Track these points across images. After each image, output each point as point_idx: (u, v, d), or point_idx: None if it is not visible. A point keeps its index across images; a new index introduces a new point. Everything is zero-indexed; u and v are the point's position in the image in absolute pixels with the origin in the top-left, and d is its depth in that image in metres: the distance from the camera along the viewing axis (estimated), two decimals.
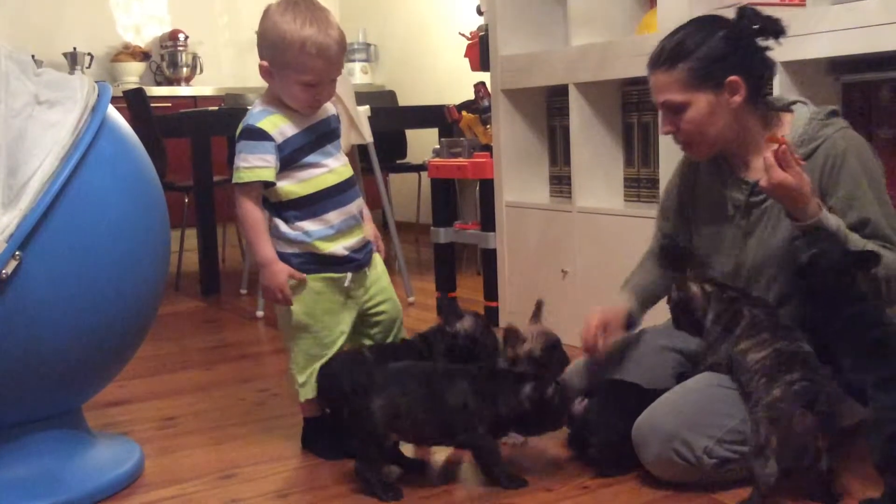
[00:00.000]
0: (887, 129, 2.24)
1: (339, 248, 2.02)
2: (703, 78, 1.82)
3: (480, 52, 3.59)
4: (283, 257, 2.00)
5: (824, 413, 1.64)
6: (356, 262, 2.06)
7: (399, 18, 6.02)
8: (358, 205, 2.08)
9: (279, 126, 1.98)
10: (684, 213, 2.06)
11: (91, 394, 2.02)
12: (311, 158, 2.00)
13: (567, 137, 2.95)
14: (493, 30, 3.14)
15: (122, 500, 1.88)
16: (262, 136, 1.95)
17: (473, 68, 3.75)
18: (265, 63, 1.97)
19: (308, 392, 2.07)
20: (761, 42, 1.84)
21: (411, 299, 3.77)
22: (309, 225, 2.00)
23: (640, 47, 2.59)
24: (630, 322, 2.07)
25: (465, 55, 3.82)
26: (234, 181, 1.98)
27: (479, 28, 3.74)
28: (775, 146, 1.71)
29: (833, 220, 1.73)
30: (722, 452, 1.76)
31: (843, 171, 1.79)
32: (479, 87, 3.59)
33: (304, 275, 2.00)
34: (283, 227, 2.01)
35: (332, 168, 2.03)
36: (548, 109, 3.18)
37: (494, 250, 3.24)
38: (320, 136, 2.03)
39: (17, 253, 1.65)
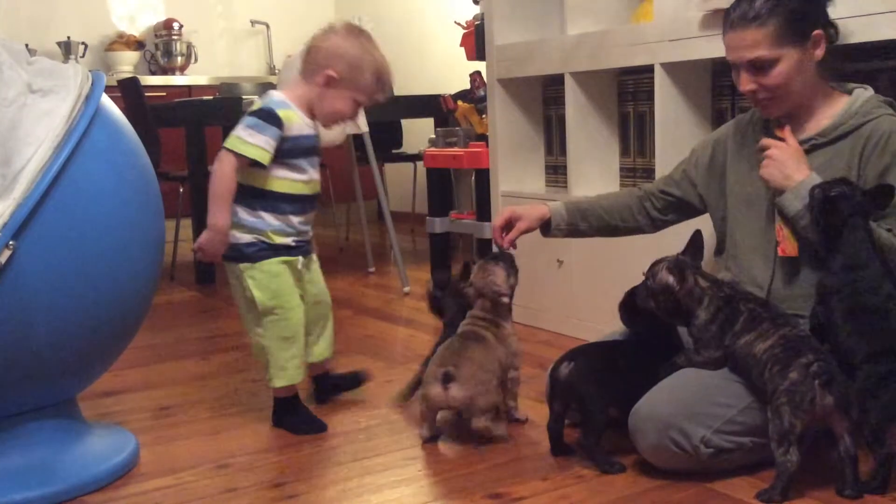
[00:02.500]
0: None
1: (289, 241, 2.16)
2: (793, 32, 1.82)
3: (476, 41, 3.59)
4: (235, 248, 2.11)
5: (841, 392, 1.64)
6: (303, 248, 2.21)
7: (394, 7, 6.00)
8: (312, 217, 2.23)
9: (292, 122, 2.11)
10: (713, 168, 2.08)
11: (86, 384, 2.01)
12: (299, 162, 2.14)
13: (563, 127, 2.95)
14: (489, 19, 3.14)
15: (117, 489, 1.88)
16: (275, 122, 2.07)
17: (469, 57, 3.75)
18: (334, 74, 2.11)
19: (289, 378, 2.16)
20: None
21: (406, 289, 3.76)
22: (271, 218, 2.13)
23: (636, 36, 2.59)
24: (545, 226, 2.20)
25: (461, 44, 3.81)
26: (228, 146, 2.07)
27: (475, 17, 3.73)
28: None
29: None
30: (719, 442, 1.76)
31: (887, 147, 1.80)
32: (475, 76, 3.58)
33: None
34: (242, 213, 2.13)
35: (311, 178, 2.18)
36: (543, 99, 3.18)
37: (490, 240, 3.24)
38: (312, 147, 2.18)
39: (10, 242, 1.65)
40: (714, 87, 2.59)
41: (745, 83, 1.88)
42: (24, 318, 1.71)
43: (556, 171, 3.12)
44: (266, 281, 2.12)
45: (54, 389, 1.90)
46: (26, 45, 1.89)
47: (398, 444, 2.08)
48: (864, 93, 1.90)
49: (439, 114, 4.25)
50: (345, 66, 2.11)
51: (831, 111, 1.89)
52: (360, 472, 1.92)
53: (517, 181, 3.16)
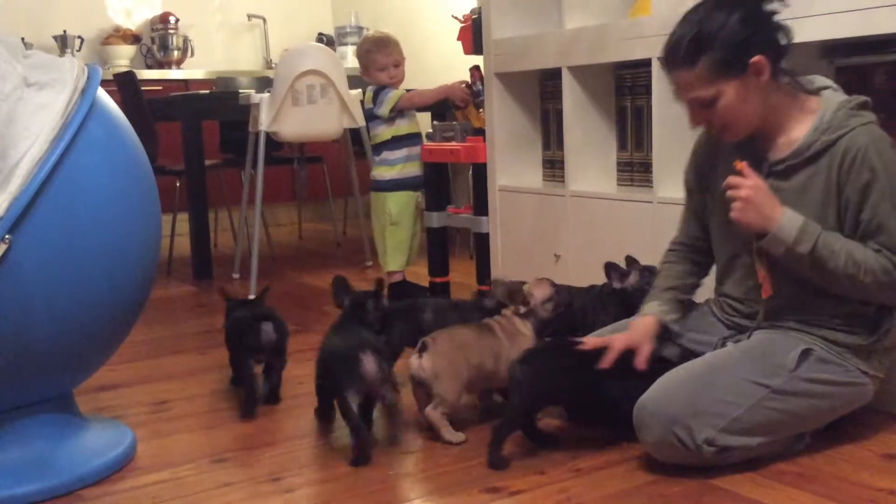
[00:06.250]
0: (881, 113, 2.23)
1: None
2: (728, 66, 1.74)
3: (473, 35, 3.58)
4: (378, 184, 3.50)
5: None
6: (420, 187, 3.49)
7: (391, 1, 5.99)
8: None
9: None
10: (702, 184, 2.01)
11: (83, 378, 2.01)
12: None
13: (560, 121, 2.95)
14: (487, 13, 3.13)
15: (114, 483, 1.88)
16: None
17: (466, 52, 3.74)
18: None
19: (393, 265, 3.48)
20: (770, 7, 1.77)
21: None
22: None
23: (633, 30, 2.58)
24: (665, 332, 1.97)
25: (458, 38, 3.80)
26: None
27: (472, 11, 3.72)
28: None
29: (794, 230, 1.73)
30: (724, 441, 1.76)
31: (864, 163, 1.73)
32: (475, 70, 3.58)
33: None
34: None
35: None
36: (541, 93, 3.17)
37: (487, 234, 3.24)
38: None
39: (6, 236, 1.64)
40: None
41: (694, 120, 1.86)
42: (20, 312, 1.71)
43: (554, 166, 3.12)
44: (398, 202, 3.52)
45: (51, 384, 1.90)
46: (22, 39, 1.88)
47: (395, 438, 2.08)
48: (833, 97, 1.82)
49: (436, 108, 4.24)
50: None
51: (802, 125, 1.81)
52: (357, 466, 1.92)
53: (515, 175, 3.16)
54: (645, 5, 2.68)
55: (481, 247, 3.30)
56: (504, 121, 3.14)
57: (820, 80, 1.87)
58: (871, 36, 2.04)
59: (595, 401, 1.93)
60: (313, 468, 1.93)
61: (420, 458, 1.97)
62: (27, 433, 1.86)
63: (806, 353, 1.80)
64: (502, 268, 3.17)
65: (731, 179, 1.79)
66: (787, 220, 1.74)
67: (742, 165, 1.79)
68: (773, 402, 1.77)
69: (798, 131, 1.81)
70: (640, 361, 1.88)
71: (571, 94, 2.83)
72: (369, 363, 1.94)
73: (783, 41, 1.79)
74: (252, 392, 2.29)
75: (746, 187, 1.76)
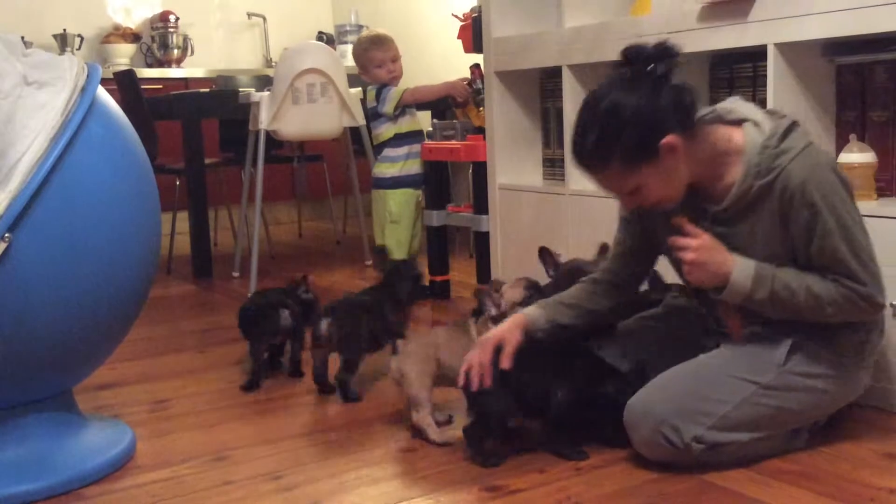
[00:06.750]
0: (881, 110, 2.24)
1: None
2: (639, 158, 1.70)
3: (473, 33, 3.58)
4: (379, 181, 3.56)
5: None
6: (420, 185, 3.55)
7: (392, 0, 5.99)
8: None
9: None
10: (643, 216, 1.93)
11: (82, 376, 2.01)
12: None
13: (560, 119, 2.94)
14: (487, 11, 3.13)
15: (114, 482, 1.88)
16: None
17: (466, 50, 3.74)
18: None
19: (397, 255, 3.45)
20: (662, 71, 1.70)
21: None
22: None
23: (634, 28, 2.58)
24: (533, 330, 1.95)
25: (458, 37, 3.80)
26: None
27: (472, 9, 3.72)
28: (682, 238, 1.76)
29: (748, 280, 1.72)
30: (713, 438, 1.76)
31: (801, 205, 1.69)
32: (475, 69, 3.58)
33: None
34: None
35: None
36: (541, 91, 3.17)
37: (487, 233, 3.24)
38: None
39: (6, 235, 1.64)
40: (712, 79, 2.58)
41: (625, 206, 1.85)
42: (20, 310, 1.71)
43: (554, 164, 3.11)
44: (399, 199, 3.63)
45: (51, 382, 1.89)
46: (22, 38, 1.87)
47: (395, 436, 2.08)
48: (754, 137, 1.74)
49: (436, 107, 4.24)
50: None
51: (735, 167, 1.75)
52: (357, 465, 1.92)
53: (514, 174, 3.16)
54: (645, 3, 2.68)
55: (481, 245, 3.30)
56: (504, 119, 3.14)
57: (739, 109, 1.80)
58: (871, 34, 2.04)
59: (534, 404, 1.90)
60: (313, 466, 1.93)
61: (420, 456, 1.97)
62: (27, 431, 1.86)
63: (795, 348, 1.79)
64: (502, 265, 3.17)
65: (677, 241, 1.76)
66: (739, 273, 1.73)
67: (682, 223, 1.76)
68: (763, 398, 1.77)
69: (731, 175, 1.76)
70: (506, 356, 1.87)
71: (572, 93, 2.83)
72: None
73: (687, 102, 1.73)
74: (260, 370, 2.52)
75: (692, 251, 1.74)
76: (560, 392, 1.86)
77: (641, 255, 2.00)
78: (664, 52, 1.71)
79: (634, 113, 1.69)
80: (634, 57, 1.72)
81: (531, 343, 1.93)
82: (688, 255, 1.75)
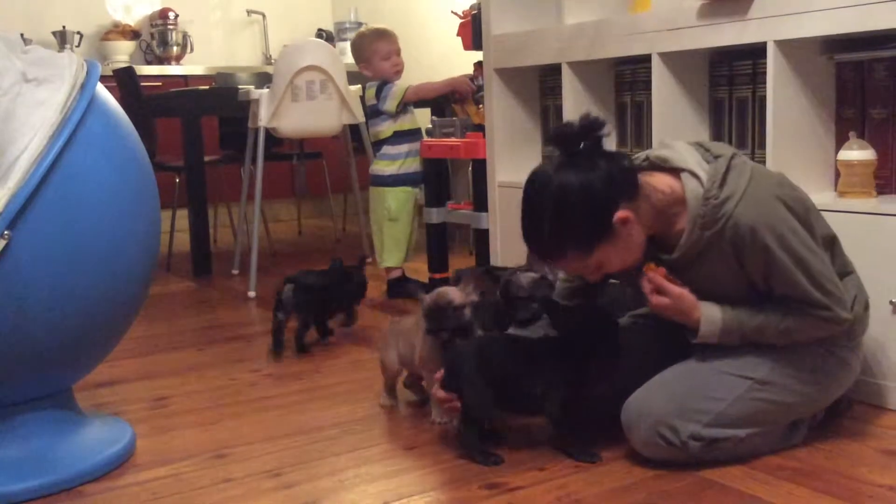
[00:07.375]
0: (880, 108, 2.24)
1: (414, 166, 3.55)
2: (594, 239, 1.73)
3: (473, 30, 3.58)
4: (378, 179, 3.55)
5: None
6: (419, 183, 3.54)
7: None
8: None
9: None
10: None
11: (82, 374, 2.01)
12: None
13: (560, 117, 2.94)
14: (486, 8, 3.12)
15: (114, 480, 1.88)
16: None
17: (466, 47, 3.74)
18: None
19: (390, 261, 3.53)
20: (591, 147, 1.73)
21: None
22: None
23: (633, 26, 2.58)
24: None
25: (458, 34, 3.80)
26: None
27: (472, 7, 3.72)
28: (651, 274, 1.78)
29: (714, 337, 1.77)
30: (710, 435, 1.77)
31: (754, 249, 1.70)
32: (478, 66, 3.57)
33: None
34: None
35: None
36: (541, 89, 3.17)
37: (487, 230, 3.24)
38: None
39: (5, 232, 1.64)
40: (712, 76, 2.58)
41: (591, 279, 1.86)
42: (19, 308, 1.71)
43: None
44: (397, 197, 3.57)
45: (50, 380, 1.89)
46: (21, 35, 1.88)
47: (395, 434, 2.09)
48: (693, 189, 1.74)
49: (435, 104, 4.24)
50: None
51: (682, 218, 1.77)
52: (357, 462, 1.92)
53: (514, 171, 3.15)
54: (645, 1, 2.68)
55: (481, 242, 3.30)
56: (504, 117, 3.14)
57: (673, 158, 1.80)
58: (870, 31, 2.04)
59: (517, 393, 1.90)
60: (313, 464, 1.93)
61: (420, 454, 1.97)
62: (26, 430, 1.86)
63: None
64: (501, 262, 3.17)
65: (652, 297, 1.80)
66: (706, 327, 1.77)
67: (655, 275, 1.79)
68: (758, 392, 1.78)
69: (681, 223, 1.77)
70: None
71: (571, 90, 2.83)
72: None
73: (626, 167, 1.75)
74: (279, 336, 2.78)
75: (664, 306, 1.79)
76: (540, 388, 1.85)
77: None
78: (589, 127, 1.73)
79: (582, 197, 1.70)
80: (562, 139, 1.75)
81: (514, 339, 1.94)
82: (659, 308, 1.80)
